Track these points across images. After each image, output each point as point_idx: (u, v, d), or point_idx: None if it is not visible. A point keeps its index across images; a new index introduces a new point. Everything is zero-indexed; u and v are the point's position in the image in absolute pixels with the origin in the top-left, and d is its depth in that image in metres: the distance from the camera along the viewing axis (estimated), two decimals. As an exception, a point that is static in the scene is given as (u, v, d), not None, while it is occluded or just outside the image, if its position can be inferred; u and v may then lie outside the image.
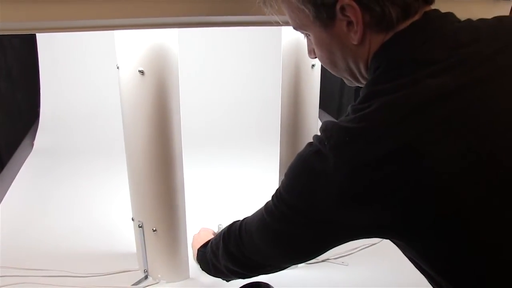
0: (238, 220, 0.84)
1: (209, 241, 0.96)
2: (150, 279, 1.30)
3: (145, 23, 0.98)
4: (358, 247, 1.47)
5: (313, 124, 1.26)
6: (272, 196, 0.70)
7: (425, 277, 0.65)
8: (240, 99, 2.59)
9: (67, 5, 0.89)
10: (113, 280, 1.30)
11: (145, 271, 1.30)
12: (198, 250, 0.99)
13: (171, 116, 1.12)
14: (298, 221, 0.65)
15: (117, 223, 1.59)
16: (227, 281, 0.95)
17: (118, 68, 1.09)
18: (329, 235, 0.65)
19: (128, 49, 1.06)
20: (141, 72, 1.06)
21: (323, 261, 1.41)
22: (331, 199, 0.58)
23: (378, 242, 1.50)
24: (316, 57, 0.74)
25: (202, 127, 2.24)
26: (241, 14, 0.99)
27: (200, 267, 0.99)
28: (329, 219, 0.61)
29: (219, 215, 1.64)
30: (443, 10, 1.11)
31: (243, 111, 2.54)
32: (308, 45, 0.78)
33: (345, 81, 0.75)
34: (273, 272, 0.82)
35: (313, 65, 1.17)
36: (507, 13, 1.21)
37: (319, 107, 3.11)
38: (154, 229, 1.22)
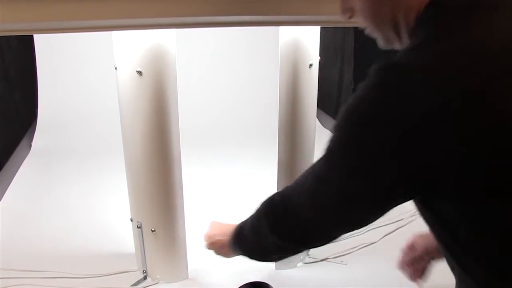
0: (273, 195, 0.82)
1: (238, 228, 0.93)
2: (149, 279, 1.30)
3: (143, 23, 0.99)
4: (357, 246, 1.48)
5: (311, 123, 1.27)
6: (320, 160, 0.68)
7: (441, 248, 0.65)
8: (238, 99, 2.61)
9: (64, 5, 0.89)
10: (112, 281, 1.30)
11: (144, 271, 1.30)
12: (231, 240, 0.94)
13: (169, 116, 1.12)
14: (355, 172, 0.62)
15: (115, 224, 1.60)
16: (276, 261, 0.97)
17: (116, 68, 1.10)
18: (385, 185, 0.62)
19: (126, 50, 1.07)
20: (139, 72, 1.06)
21: (322, 260, 1.41)
22: (395, 136, 0.57)
23: (377, 241, 1.51)
24: (350, 17, 0.72)
25: (200, 127, 2.25)
26: (239, 14, 1.00)
27: (244, 255, 0.93)
28: (388, 163, 0.59)
29: (218, 215, 1.64)
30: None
31: (241, 110, 2.56)
32: (343, 3, 0.73)
33: (381, 41, 0.73)
34: (324, 244, 0.79)
35: (310, 65, 1.18)
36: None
37: (317, 107, 3.11)
38: (152, 229, 1.22)
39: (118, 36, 1.06)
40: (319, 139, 1.48)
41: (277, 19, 1.04)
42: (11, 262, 1.37)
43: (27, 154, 2.33)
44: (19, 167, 2.15)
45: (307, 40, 1.15)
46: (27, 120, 2.67)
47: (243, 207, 1.72)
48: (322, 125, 2.69)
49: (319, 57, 1.23)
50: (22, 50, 2.72)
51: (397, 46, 0.71)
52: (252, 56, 2.60)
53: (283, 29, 1.14)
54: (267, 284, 1.08)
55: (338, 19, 0.99)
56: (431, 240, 0.97)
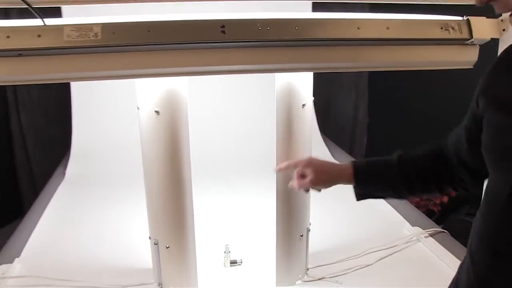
0: None
1: None
2: None
3: (160, 72, 1.18)
4: (352, 268, 1.59)
5: (305, 154, 1.42)
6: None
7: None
8: (240, 134, 2.83)
9: (97, 59, 1.10)
10: None
11: (159, 284, 1.46)
12: None
13: (181, 148, 1.31)
14: None
15: (136, 242, 1.76)
16: None
17: (138, 108, 1.30)
18: None
19: (146, 93, 1.26)
20: (157, 112, 1.26)
21: (319, 279, 1.54)
22: None
23: (372, 264, 1.62)
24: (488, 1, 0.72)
25: (208, 160, 2.43)
26: (240, 64, 1.19)
27: None
28: None
29: (224, 235, 1.81)
30: (415, 54, 1.29)
31: (244, 145, 2.77)
32: None
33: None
34: None
35: (303, 105, 1.35)
36: (475, 57, 1.35)
37: (332, 141, 3.26)
38: (167, 246, 1.39)
39: (140, 82, 1.26)
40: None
41: (273, 67, 1.23)
42: (45, 272, 1.55)
43: (62, 181, 2.54)
44: (54, 192, 2.36)
45: (299, 84, 1.32)
46: (61, 151, 2.90)
47: (246, 228, 1.92)
48: (334, 157, 2.82)
49: (313, 98, 1.40)
50: (60, 89, 2.98)
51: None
52: (252, 97, 2.83)
53: (278, 75, 1.31)
54: None
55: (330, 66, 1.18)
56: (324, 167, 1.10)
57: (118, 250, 1.74)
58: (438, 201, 2.94)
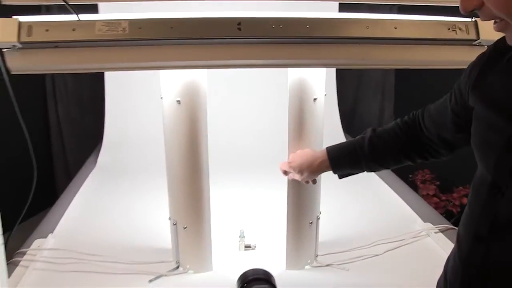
0: None
1: None
2: (180, 269, 1.56)
3: (182, 65, 1.28)
4: (361, 257, 1.65)
5: (317, 147, 1.51)
6: None
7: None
8: (253, 126, 2.93)
9: (127, 51, 1.22)
10: (152, 268, 1.56)
11: (177, 262, 1.56)
12: None
13: (200, 136, 1.41)
14: None
15: (159, 224, 1.87)
16: None
17: (161, 98, 1.41)
18: None
19: (169, 84, 1.37)
20: (178, 101, 1.37)
21: (327, 265, 1.61)
22: None
23: (380, 254, 1.68)
24: (475, 9, 0.69)
25: (224, 151, 2.53)
26: (254, 59, 1.28)
27: None
28: None
29: (239, 221, 1.91)
30: (426, 54, 1.36)
31: (257, 136, 2.87)
32: None
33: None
34: None
35: (315, 99, 1.42)
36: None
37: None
38: (185, 226, 1.50)
39: (164, 74, 1.37)
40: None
41: (285, 62, 1.32)
42: (76, 246, 1.69)
43: (93, 168, 2.69)
44: (86, 178, 2.51)
45: (311, 78, 1.40)
46: (94, 140, 3.06)
47: (259, 215, 2.01)
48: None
49: (325, 93, 1.48)
50: (94, 82, 3.14)
51: None
52: (265, 90, 2.92)
53: (291, 70, 1.39)
54: (267, 272, 1.29)
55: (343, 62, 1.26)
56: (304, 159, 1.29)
57: (142, 231, 1.86)
58: (457, 203, 2.96)
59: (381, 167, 1.17)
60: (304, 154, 1.33)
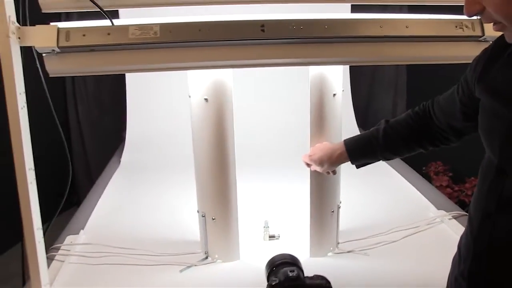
0: None
1: None
2: (209, 259, 1.63)
3: (209, 65, 1.37)
4: (380, 243, 1.73)
5: (337, 140, 1.58)
6: None
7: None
8: (277, 121, 3.02)
9: (158, 53, 1.31)
10: (182, 259, 1.64)
11: (206, 252, 1.64)
12: None
13: (227, 131, 1.50)
14: None
15: (185, 218, 1.96)
16: None
17: (190, 97, 1.50)
18: None
19: (197, 83, 1.46)
20: (206, 99, 1.46)
21: (348, 252, 1.68)
22: None
23: (397, 240, 1.75)
24: (477, 13, 0.78)
25: (250, 145, 2.59)
26: (277, 58, 1.37)
27: None
28: None
29: (263, 213, 1.98)
30: (436, 51, 1.44)
31: (279, 129, 2.97)
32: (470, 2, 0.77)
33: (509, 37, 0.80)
34: None
35: (334, 94, 1.50)
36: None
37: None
38: (213, 218, 1.58)
39: (192, 74, 1.46)
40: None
41: (305, 61, 1.41)
42: (107, 241, 1.76)
43: (117, 167, 2.78)
44: (111, 177, 2.60)
45: (330, 75, 1.48)
46: (117, 140, 3.16)
47: (283, 207, 2.09)
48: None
49: (343, 89, 1.56)
50: (115, 83, 3.24)
51: None
52: (287, 88, 3.00)
53: (311, 68, 1.47)
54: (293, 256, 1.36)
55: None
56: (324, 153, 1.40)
57: (170, 225, 1.94)
58: (470, 193, 3.02)
59: (395, 155, 1.28)
60: (324, 147, 1.43)
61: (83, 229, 1.92)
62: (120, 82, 3.09)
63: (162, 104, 3.01)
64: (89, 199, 2.31)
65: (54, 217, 1.58)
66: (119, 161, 2.86)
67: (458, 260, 1.01)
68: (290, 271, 1.23)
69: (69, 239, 1.82)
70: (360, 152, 1.31)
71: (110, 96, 3.51)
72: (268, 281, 1.27)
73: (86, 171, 3.64)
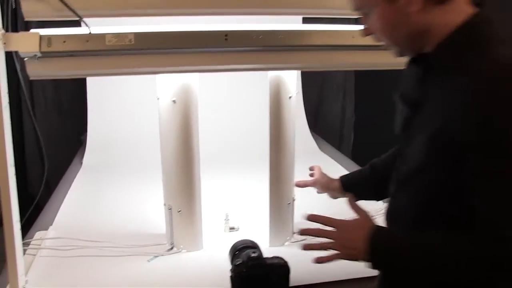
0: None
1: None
2: (175, 249, 1.74)
3: (177, 70, 1.51)
4: None
5: (291, 138, 1.73)
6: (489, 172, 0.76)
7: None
8: (238, 121, 3.13)
9: (130, 59, 1.44)
10: (149, 250, 1.74)
11: (171, 243, 1.74)
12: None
13: (192, 130, 1.63)
14: None
15: (149, 214, 2.04)
16: None
17: (158, 99, 1.62)
18: None
19: (166, 86, 1.58)
20: (174, 101, 1.59)
21: (302, 240, 1.82)
22: None
23: None
24: (369, 34, 0.96)
25: (213, 143, 2.66)
26: (239, 64, 1.53)
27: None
28: None
29: (224, 207, 2.07)
30: (377, 57, 1.61)
31: (240, 131, 3.07)
32: (365, 23, 0.95)
33: (395, 51, 0.95)
34: None
35: (290, 97, 1.67)
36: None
37: (318, 135, 3.60)
38: (179, 210, 1.70)
39: (161, 77, 1.58)
40: (313, 159, 2.11)
41: (264, 66, 1.58)
42: (75, 235, 1.82)
43: (79, 169, 2.81)
44: (74, 178, 2.64)
45: (286, 79, 1.64)
46: (77, 142, 3.18)
47: (243, 200, 2.22)
48: (320, 149, 3.19)
49: (297, 91, 1.73)
50: (75, 88, 3.27)
51: (410, 54, 0.94)
52: (248, 92, 3.12)
53: (270, 72, 1.63)
54: (253, 242, 1.50)
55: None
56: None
57: (136, 219, 2.03)
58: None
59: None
60: (323, 180, 1.55)
61: (51, 225, 1.99)
62: (81, 87, 3.12)
63: (123, 107, 3.06)
64: (55, 197, 2.37)
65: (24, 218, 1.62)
66: (81, 163, 2.90)
67: None
68: (252, 252, 1.39)
69: (38, 234, 1.88)
70: (355, 189, 1.31)
71: (69, 100, 3.51)
72: (232, 264, 1.41)
73: (43, 174, 3.61)
